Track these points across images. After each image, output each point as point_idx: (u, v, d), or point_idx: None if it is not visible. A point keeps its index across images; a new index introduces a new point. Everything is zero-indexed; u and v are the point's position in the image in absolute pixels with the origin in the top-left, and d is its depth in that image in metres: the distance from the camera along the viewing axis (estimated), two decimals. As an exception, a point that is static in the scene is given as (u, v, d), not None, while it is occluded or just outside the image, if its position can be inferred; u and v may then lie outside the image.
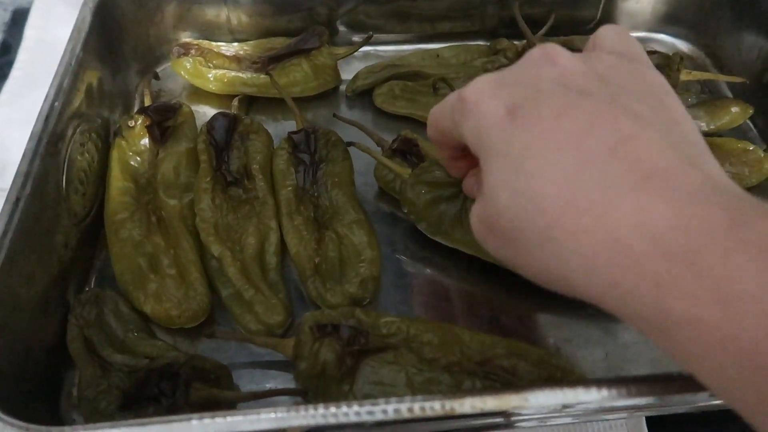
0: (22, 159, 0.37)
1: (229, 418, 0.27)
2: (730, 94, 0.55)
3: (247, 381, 0.38)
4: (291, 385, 0.37)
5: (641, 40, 0.59)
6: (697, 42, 0.59)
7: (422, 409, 0.27)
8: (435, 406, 0.28)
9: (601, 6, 0.58)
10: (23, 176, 0.37)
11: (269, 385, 0.38)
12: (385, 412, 0.27)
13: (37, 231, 0.37)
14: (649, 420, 0.39)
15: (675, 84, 0.54)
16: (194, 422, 0.27)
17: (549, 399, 0.28)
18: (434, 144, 0.34)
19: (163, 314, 0.39)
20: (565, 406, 0.29)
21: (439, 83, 0.48)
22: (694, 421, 0.39)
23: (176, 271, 0.41)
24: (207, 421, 0.27)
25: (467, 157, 0.33)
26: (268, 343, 0.37)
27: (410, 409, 0.27)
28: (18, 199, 0.36)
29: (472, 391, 0.29)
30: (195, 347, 0.39)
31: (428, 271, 0.44)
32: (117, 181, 0.45)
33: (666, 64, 0.54)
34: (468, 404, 0.28)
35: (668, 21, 0.59)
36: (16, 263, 0.34)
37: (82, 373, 0.36)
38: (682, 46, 0.59)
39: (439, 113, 0.31)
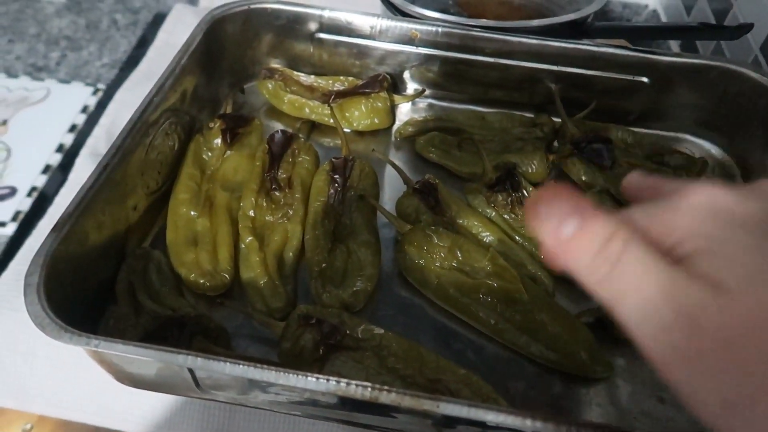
0: (118, 136, 0.48)
1: (200, 360, 0.35)
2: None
3: (242, 348, 0.46)
4: (275, 359, 0.44)
5: (677, 140, 0.64)
6: (730, 151, 0.62)
7: (349, 386, 0.34)
8: (366, 393, 0.34)
9: (645, 103, 0.63)
10: (115, 149, 0.47)
11: (257, 355, 0.45)
12: (318, 381, 0.34)
13: (115, 192, 0.47)
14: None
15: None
16: (181, 357, 0.35)
17: (455, 411, 0.34)
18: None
19: (192, 280, 0.48)
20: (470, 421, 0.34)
21: (465, 142, 0.55)
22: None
23: (212, 249, 0.50)
24: (189, 358, 0.35)
25: None
26: (263, 321, 0.45)
27: (339, 384, 0.34)
28: (107, 165, 0.46)
29: (399, 390, 0.35)
30: (211, 312, 0.48)
31: (418, 298, 0.50)
32: (188, 168, 0.55)
33: (688, 165, 0.58)
34: (389, 397, 0.34)
35: (706, 126, 0.62)
36: (93, 212, 0.44)
37: (120, 309, 0.46)
38: (716, 151, 0.63)
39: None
